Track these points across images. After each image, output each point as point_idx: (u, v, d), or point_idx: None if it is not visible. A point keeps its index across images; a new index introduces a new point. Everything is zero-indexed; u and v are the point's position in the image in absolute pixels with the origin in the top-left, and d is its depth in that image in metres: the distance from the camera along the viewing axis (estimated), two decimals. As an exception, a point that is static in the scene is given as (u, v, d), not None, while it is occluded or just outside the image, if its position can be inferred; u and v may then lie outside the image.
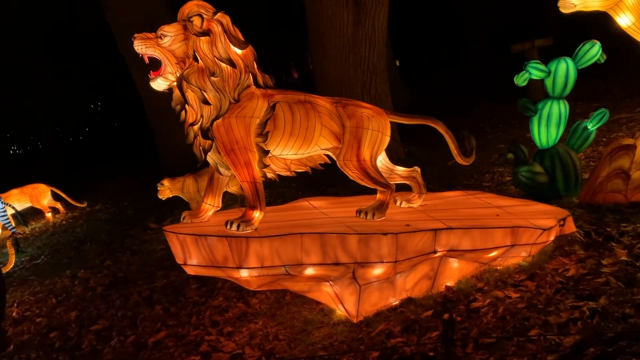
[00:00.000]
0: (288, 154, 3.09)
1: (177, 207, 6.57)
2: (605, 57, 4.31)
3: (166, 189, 5.76)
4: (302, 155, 3.13)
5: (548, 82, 4.34)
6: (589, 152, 5.39)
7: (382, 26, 6.35)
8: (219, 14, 2.89)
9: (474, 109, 9.83)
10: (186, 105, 2.92)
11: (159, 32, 2.87)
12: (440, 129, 3.49)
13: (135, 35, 2.85)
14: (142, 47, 2.83)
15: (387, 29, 6.63)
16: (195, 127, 2.93)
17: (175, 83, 2.92)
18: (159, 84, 2.90)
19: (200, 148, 2.97)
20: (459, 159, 3.57)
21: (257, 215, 2.94)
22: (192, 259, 2.93)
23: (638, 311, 2.59)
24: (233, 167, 2.92)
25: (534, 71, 4.28)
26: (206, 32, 2.84)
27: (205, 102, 2.85)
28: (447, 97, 11.67)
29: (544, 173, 4.34)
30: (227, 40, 2.88)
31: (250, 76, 2.98)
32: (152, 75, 2.91)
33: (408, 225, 3.03)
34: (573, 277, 3.06)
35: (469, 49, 16.56)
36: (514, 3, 15.66)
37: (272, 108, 2.97)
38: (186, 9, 2.90)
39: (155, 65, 2.94)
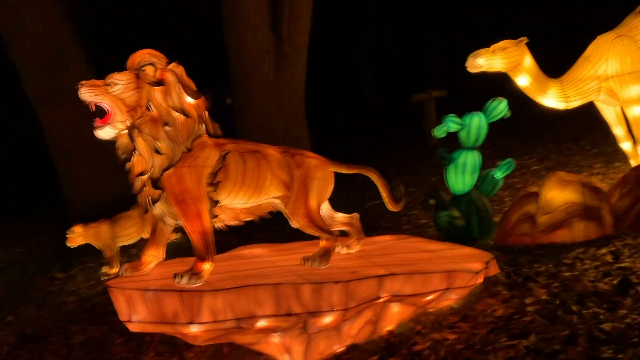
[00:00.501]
0: (238, 204, 3.09)
1: (85, 254, 6.19)
2: (510, 113, 4.80)
3: (78, 236, 5.42)
4: (252, 204, 3.15)
5: (463, 134, 4.73)
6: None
7: (302, 74, 6.60)
8: (172, 64, 2.88)
9: (380, 154, 10.33)
10: (134, 155, 2.85)
11: (109, 80, 2.80)
12: (375, 177, 3.68)
13: (83, 82, 2.76)
14: (90, 94, 2.75)
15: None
16: (144, 177, 2.86)
17: (123, 131, 2.85)
18: (106, 132, 2.81)
19: (149, 198, 2.90)
20: (390, 206, 3.77)
21: (207, 267, 2.90)
22: (137, 315, 2.80)
23: (565, 347, 2.86)
24: (183, 218, 2.87)
25: (452, 124, 4.65)
26: (160, 82, 2.82)
27: (158, 151, 2.80)
28: (350, 142, 12.15)
29: (461, 217, 4.68)
30: (181, 90, 2.87)
31: (203, 125, 2.98)
32: (98, 123, 2.82)
33: (354, 272, 3.13)
34: (502, 317, 3.31)
35: (366, 97, 17.51)
36: (409, 58, 16.90)
37: (224, 158, 2.99)
38: (137, 58, 2.87)
39: (99, 112, 2.85)
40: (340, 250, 3.60)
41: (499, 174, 4.89)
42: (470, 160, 4.72)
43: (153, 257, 3.09)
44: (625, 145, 5.39)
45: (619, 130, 5.36)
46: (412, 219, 5.77)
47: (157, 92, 2.81)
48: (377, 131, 12.77)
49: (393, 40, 17.44)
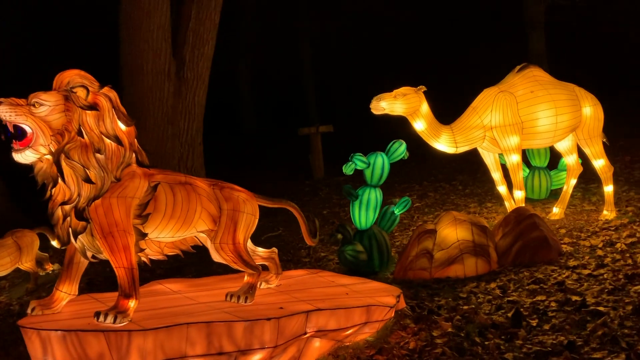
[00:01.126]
0: (165, 237, 2.96)
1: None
2: (408, 154, 5.14)
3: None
4: (179, 237, 3.03)
5: (367, 173, 4.97)
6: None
7: (202, 101, 6.49)
8: (105, 88, 2.72)
9: (267, 184, 10.37)
10: (58, 182, 2.61)
11: (33, 100, 2.56)
12: (295, 211, 3.74)
13: (2, 100, 2.49)
14: (10, 114, 2.49)
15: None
16: (67, 207, 2.63)
17: (46, 156, 2.60)
18: (26, 156, 2.55)
19: (70, 230, 2.66)
20: (308, 240, 3.85)
21: (132, 304, 2.72)
22: (54, 358, 2.53)
23: (475, 377, 3.10)
24: (109, 252, 2.68)
25: (358, 162, 4.87)
26: (93, 106, 2.63)
27: (88, 180, 2.60)
28: (234, 173, 12.05)
29: (364, 251, 4.88)
30: (114, 116, 2.70)
31: (134, 154, 2.83)
32: (17, 145, 2.55)
33: (281, 308, 3.13)
34: (415, 349, 3.49)
35: (246, 127, 17.56)
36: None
37: (154, 189, 2.85)
38: (66, 78, 2.66)
39: (16, 134, 2.58)
40: (260, 284, 3.58)
41: (397, 211, 5.19)
42: (373, 197, 4.97)
43: (66, 293, 2.83)
44: (501, 189, 6.01)
45: (496, 175, 5.97)
46: (311, 251, 5.87)
47: (89, 117, 2.62)
48: (262, 162, 12.82)
49: (274, 73, 17.80)
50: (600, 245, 5.04)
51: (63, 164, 2.57)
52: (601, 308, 3.72)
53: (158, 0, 5.86)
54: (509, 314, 3.79)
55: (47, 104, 2.56)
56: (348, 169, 4.84)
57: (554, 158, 7.08)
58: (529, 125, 5.50)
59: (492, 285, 4.39)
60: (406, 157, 5.12)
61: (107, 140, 2.68)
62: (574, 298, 3.94)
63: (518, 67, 5.75)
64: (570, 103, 5.57)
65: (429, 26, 15.93)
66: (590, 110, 5.72)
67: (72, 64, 2.88)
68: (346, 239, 4.86)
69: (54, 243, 5.75)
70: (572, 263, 4.68)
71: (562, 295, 4.03)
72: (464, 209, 7.22)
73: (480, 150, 5.85)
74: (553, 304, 3.91)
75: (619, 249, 4.87)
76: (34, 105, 2.55)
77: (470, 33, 15.83)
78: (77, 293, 2.88)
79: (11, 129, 2.54)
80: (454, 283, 4.52)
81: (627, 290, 3.96)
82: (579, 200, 6.80)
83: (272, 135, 15.51)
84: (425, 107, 5.36)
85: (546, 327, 3.59)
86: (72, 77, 2.67)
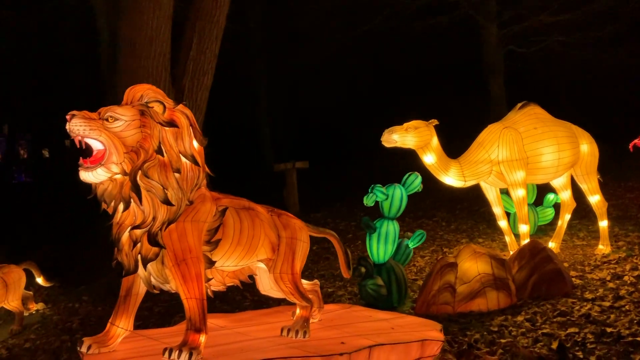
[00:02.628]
0: (229, 265, 2.74)
1: None
2: (422, 187, 5.12)
3: None
4: (241, 266, 2.82)
5: (385, 204, 4.89)
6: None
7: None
8: (180, 105, 2.53)
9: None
10: (130, 204, 2.37)
11: (107, 114, 2.34)
12: (336, 242, 3.60)
13: (75, 112, 2.27)
14: (84, 128, 2.26)
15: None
16: (139, 232, 2.39)
17: (116, 176, 2.37)
18: (98, 175, 2.31)
19: (139, 256, 2.41)
20: (345, 272, 3.71)
21: (203, 339, 2.48)
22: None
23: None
24: (181, 281, 2.44)
25: (379, 193, 4.80)
26: (173, 123, 2.44)
27: (167, 202, 2.37)
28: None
29: (384, 286, 4.75)
30: (192, 134, 2.52)
31: (205, 176, 2.63)
32: (86, 163, 2.31)
33: (343, 343, 2.95)
34: (470, 384, 3.38)
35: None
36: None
37: (222, 213, 2.65)
38: (138, 92, 2.46)
39: (85, 151, 2.35)
40: None
41: (412, 244, 5.12)
42: (391, 229, 4.89)
43: (123, 328, 2.54)
44: (502, 223, 6.07)
45: (497, 210, 6.04)
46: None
47: (169, 134, 2.42)
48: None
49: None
50: (608, 278, 5.13)
51: (142, 184, 2.34)
52: (639, 339, 3.75)
53: (161, 27, 5.69)
54: (551, 347, 3.75)
55: (123, 118, 2.34)
56: (369, 200, 4.75)
57: (540, 195, 7.26)
58: (533, 161, 5.62)
59: (519, 318, 4.35)
60: (420, 190, 5.10)
61: (184, 160, 2.48)
62: (609, 330, 3.95)
63: (519, 105, 5.91)
64: (570, 140, 5.76)
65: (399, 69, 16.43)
66: (588, 147, 5.93)
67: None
68: (368, 273, 4.73)
69: (39, 280, 5.32)
70: (588, 296, 4.72)
71: (594, 327, 4.03)
72: (457, 244, 7.25)
73: (483, 184, 5.91)
74: (589, 335, 3.90)
75: (628, 281, 4.98)
76: (107, 120, 2.33)
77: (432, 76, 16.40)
78: (132, 328, 2.60)
79: (77, 144, 2.31)
80: (480, 317, 4.45)
81: (655, 320, 4.02)
82: (568, 236, 6.96)
83: (245, 170, 15.31)
84: (435, 140, 5.39)
85: (592, 359, 3.56)
86: (145, 91, 2.47)
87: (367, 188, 4.88)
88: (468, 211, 9.48)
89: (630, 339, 3.75)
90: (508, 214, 6.25)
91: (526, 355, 3.66)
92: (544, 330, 4.08)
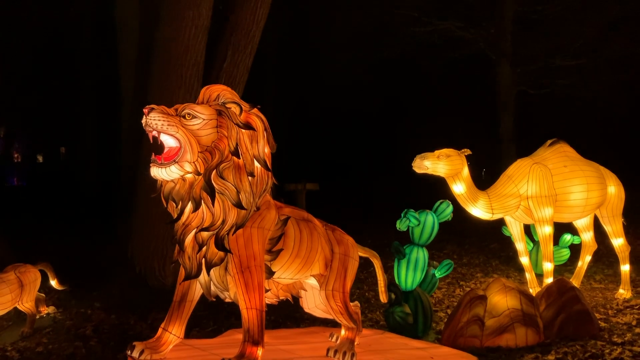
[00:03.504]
0: (286, 277, 2.65)
1: None
2: (452, 216, 5.06)
3: None
4: (296, 279, 2.72)
5: (416, 231, 4.82)
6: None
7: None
8: (255, 109, 2.47)
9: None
10: (200, 205, 2.29)
11: (185, 111, 2.27)
12: (378, 264, 3.51)
13: (154, 106, 2.20)
14: (162, 123, 2.19)
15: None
16: (206, 234, 2.29)
17: (187, 175, 2.29)
18: (171, 172, 2.23)
19: (203, 260, 2.31)
20: (382, 296, 3.62)
21: (260, 352, 2.37)
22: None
23: None
24: (243, 290, 2.34)
25: (412, 219, 4.72)
26: (250, 125, 2.37)
27: (239, 205, 2.29)
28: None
29: (411, 314, 4.64)
30: (266, 138, 2.45)
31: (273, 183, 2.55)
32: (159, 159, 2.23)
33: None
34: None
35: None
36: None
37: (284, 222, 2.57)
38: (215, 92, 2.40)
39: (156, 147, 2.28)
40: (337, 339, 3.27)
41: (438, 274, 5.03)
42: (421, 256, 4.80)
43: (175, 335, 2.43)
44: (524, 260, 6.00)
45: (520, 246, 5.97)
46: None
47: (245, 136, 2.35)
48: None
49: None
50: (634, 323, 5.05)
51: (217, 185, 2.26)
52: (679, 386, 3.66)
53: (198, 37, 5.67)
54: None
55: (201, 116, 2.27)
56: (402, 225, 4.68)
57: (556, 235, 7.20)
58: (562, 199, 5.57)
59: (550, 357, 4.25)
60: (450, 219, 5.04)
61: (256, 164, 2.41)
62: (646, 375, 3.86)
63: (549, 142, 5.89)
64: (599, 181, 5.73)
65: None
66: (615, 189, 5.91)
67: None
68: (397, 300, 4.62)
69: (53, 283, 5.17)
70: (617, 340, 4.63)
71: (629, 371, 3.95)
72: (472, 278, 7.16)
73: (507, 219, 5.86)
74: (626, 380, 3.81)
75: (654, 327, 4.90)
76: (184, 117, 2.26)
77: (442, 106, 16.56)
78: (184, 336, 2.48)
79: (159, 139, 2.23)
80: (509, 353, 4.34)
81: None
82: (585, 278, 6.87)
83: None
84: (466, 170, 5.33)
85: (632, 403, 3.47)
86: (222, 91, 2.41)
87: (375, 213, 4.82)
88: (477, 246, 9.41)
89: (669, 385, 3.66)
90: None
91: (565, 395, 3.55)
92: (579, 371, 3.99)
